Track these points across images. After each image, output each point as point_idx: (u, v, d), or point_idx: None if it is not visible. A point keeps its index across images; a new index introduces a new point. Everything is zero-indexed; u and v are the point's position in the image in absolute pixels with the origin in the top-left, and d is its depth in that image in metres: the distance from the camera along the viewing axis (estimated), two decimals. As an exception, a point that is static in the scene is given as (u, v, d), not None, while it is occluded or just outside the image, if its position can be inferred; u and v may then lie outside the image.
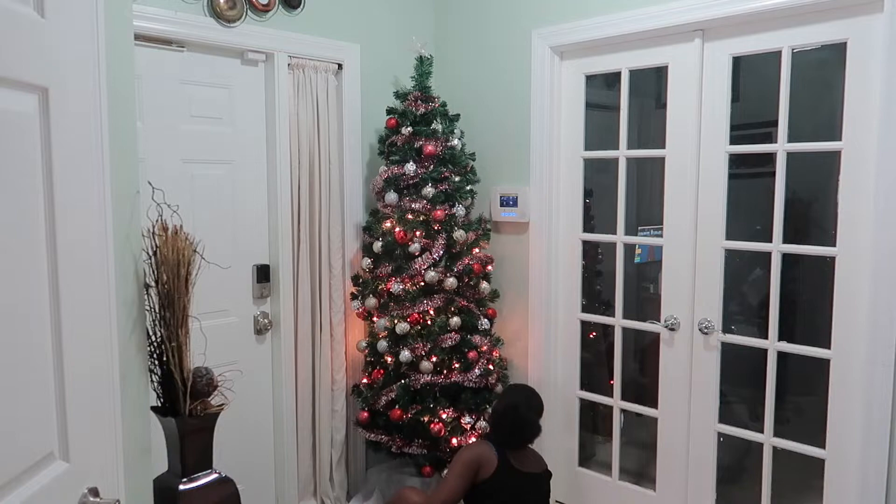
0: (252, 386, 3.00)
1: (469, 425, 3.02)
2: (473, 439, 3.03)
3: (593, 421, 3.48)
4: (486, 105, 3.38)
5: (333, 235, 3.16)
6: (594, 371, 3.40)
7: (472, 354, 3.05)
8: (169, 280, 2.08)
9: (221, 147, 2.91)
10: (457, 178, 3.15)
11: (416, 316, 3.05)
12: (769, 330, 2.62)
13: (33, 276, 1.13)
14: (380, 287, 3.10)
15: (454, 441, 3.00)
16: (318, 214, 3.11)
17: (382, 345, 3.08)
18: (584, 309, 3.23)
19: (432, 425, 2.96)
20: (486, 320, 3.17)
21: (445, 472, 2.68)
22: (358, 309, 3.19)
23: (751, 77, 2.84)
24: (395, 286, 3.02)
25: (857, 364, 2.38)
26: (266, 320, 3.07)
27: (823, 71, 2.75)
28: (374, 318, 3.13)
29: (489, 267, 3.23)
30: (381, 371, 3.13)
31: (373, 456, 3.37)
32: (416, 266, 3.02)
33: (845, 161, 2.40)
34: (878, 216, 2.27)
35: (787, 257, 2.59)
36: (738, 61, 2.67)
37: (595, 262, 3.43)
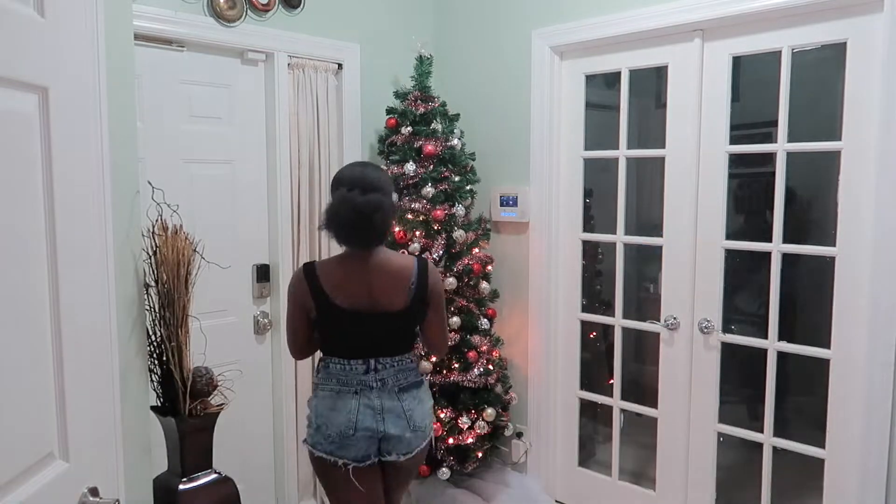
0: (252, 386, 3.00)
1: (466, 425, 3.02)
2: (471, 440, 3.04)
3: (593, 421, 3.49)
4: (486, 105, 3.38)
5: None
6: (594, 371, 3.40)
7: (471, 354, 3.05)
8: (169, 280, 2.08)
9: (221, 147, 2.91)
10: (457, 178, 3.15)
11: (416, 316, 3.05)
12: (769, 330, 2.62)
13: (33, 275, 1.13)
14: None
15: (451, 441, 3.01)
16: (318, 214, 3.11)
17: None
18: (584, 309, 3.23)
19: (432, 425, 2.96)
20: (485, 320, 3.17)
21: None
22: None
23: (751, 77, 2.84)
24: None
25: (857, 364, 2.38)
26: (266, 320, 3.07)
27: (823, 71, 2.75)
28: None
29: (489, 267, 3.23)
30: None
31: (373, 456, 3.36)
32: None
33: (845, 161, 2.40)
34: (878, 216, 2.27)
35: (786, 257, 2.59)
36: (737, 61, 2.67)
37: (595, 262, 3.43)
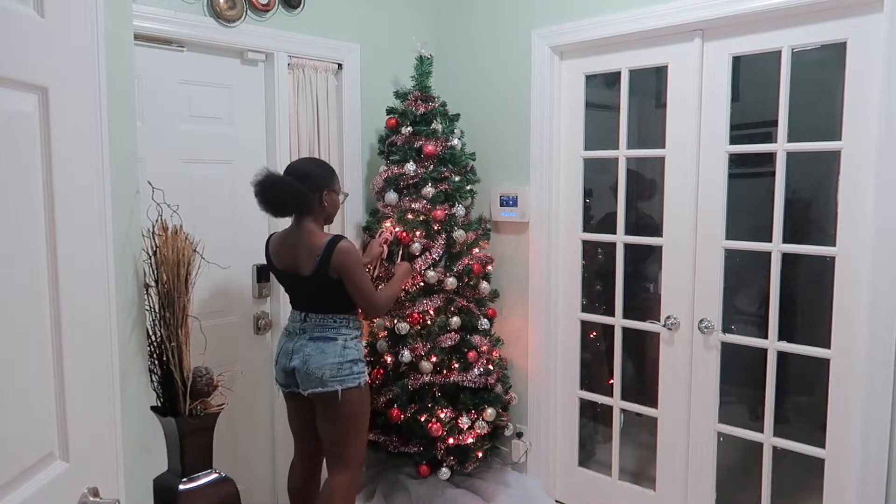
0: (252, 386, 3.00)
1: (466, 425, 3.02)
2: (471, 440, 3.04)
3: (593, 421, 3.49)
4: (486, 105, 3.38)
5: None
6: (594, 371, 3.40)
7: (471, 354, 3.05)
8: (169, 280, 2.08)
9: (221, 147, 2.91)
10: (457, 178, 3.15)
11: (416, 316, 3.05)
12: (769, 330, 2.62)
13: (33, 276, 1.13)
14: (380, 287, 3.10)
15: (451, 441, 3.01)
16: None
17: (382, 345, 3.08)
18: (584, 309, 3.23)
19: (430, 425, 2.96)
20: (485, 320, 3.17)
21: None
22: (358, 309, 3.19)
23: (751, 77, 2.84)
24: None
25: (857, 364, 2.38)
26: (266, 320, 3.07)
27: (823, 71, 2.75)
28: (374, 318, 3.13)
29: (489, 267, 3.23)
30: (381, 371, 3.13)
31: (372, 456, 3.36)
32: (417, 266, 3.02)
33: (845, 161, 2.40)
34: (878, 216, 2.27)
35: (786, 257, 2.59)
36: (737, 61, 2.67)
37: (595, 262, 3.43)
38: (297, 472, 2.73)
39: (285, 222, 2.65)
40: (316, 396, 2.47)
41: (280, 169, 3.01)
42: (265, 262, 2.68)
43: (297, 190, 2.43)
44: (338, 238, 2.47)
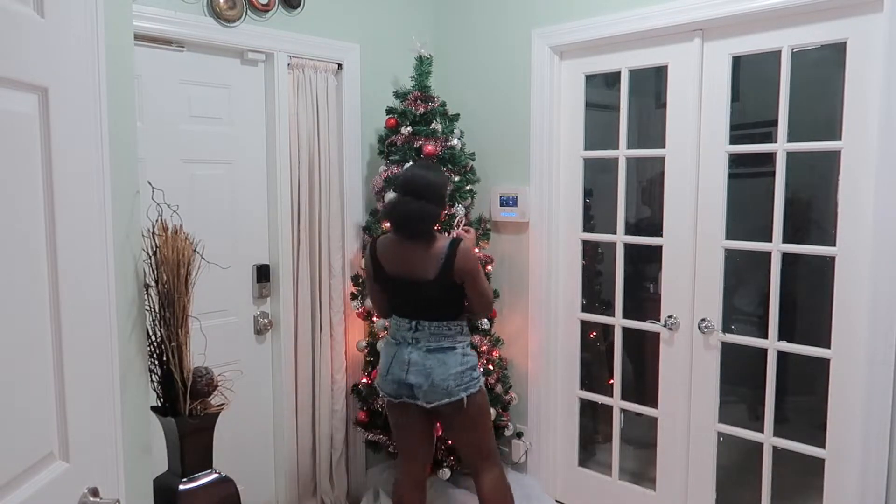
0: (252, 386, 3.00)
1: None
2: None
3: (593, 421, 3.49)
4: (486, 105, 3.38)
5: (333, 235, 3.16)
6: (594, 371, 3.40)
7: (472, 354, 3.05)
8: (169, 280, 2.08)
9: (221, 147, 2.91)
10: (456, 178, 3.15)
11: (416, 316, 3.05)
12: (769, 329, 2.62)
13: (33, 276, 1.13)
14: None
15: (450, 441, 3.00)
16: (318, 214, 3.11)
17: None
18: (584, 309, 3.23)
19: (431, 425, 2.96)
20: (485, 320, 3.17)
21: None
22: (358, 309, 3.19)
23: (751, 77, 2.84)
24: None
25: (857, 364, 2.38)
26: (266, 320, 3.07)
27: (823, 71, 2.75)
28: (374, 318, 3.13)
29: (489, 267, 3.23)
30: (381, 371, 3.13)
31: (372, 456, 3.37)
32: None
33: (845, 161, 2.40)
34: (878, 216, 2.27)
35: (786, 257, 2.59)
36: (737, 61, 2.67)
37: (595, 262, 3.43)
38: (404, 487, 2.68)
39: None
40: (442, 407, 2.46)
41: (283, 170, 3.02)
42: (365, 258, 2.62)
43: (434, 216, 2.46)
44: (457, 240, 2.48)
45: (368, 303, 3.11)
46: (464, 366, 2.49)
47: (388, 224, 2.54)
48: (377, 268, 2.54)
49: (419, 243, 2.46)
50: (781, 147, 2.54)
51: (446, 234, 2.66)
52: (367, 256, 2.60)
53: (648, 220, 3.19)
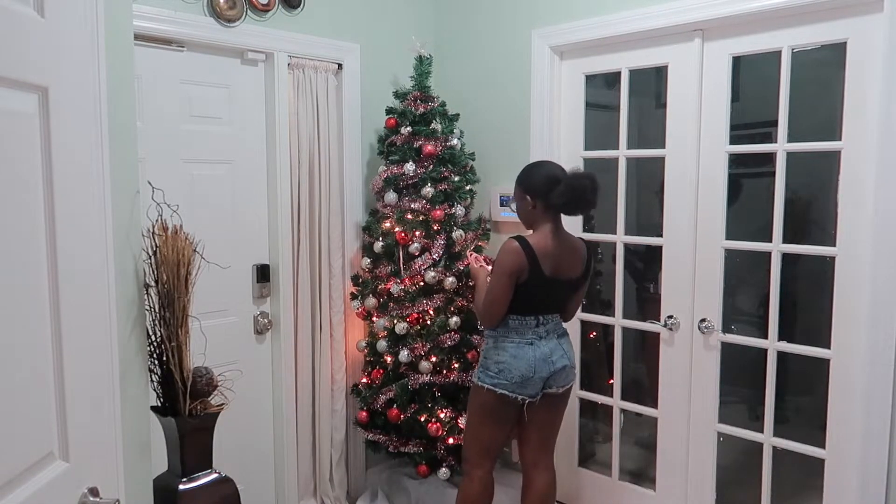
0: (252, 386, 3.00)
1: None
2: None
3: (593, 421, 3.48)
4: (485, 105, 3.38)
5: (333, 235, 3.16)
6: (594, 371, 3.40)
7: (471, 354, 3.05)
8: (169, 280, 2.08)
9: (221, 147, 2.91)
10: (456, 178, 3.15)
11: (416, 316, 3.05)
12: (769, 330, 2.62)
13: (33, 276, 1.13)
14: (379, 287, 3.10)
15: (451, 440, 3.00)
16: (318, 214, 3.11)
17: (382, 345, 3.08)
18: (584, 309, 3.22)
19: (430, 425, 2.96)
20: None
21: (489, 279, 2.55)
22: (358, 309, 3.19)
23: (751, 77, 2.84)
24: (395, 286, 3.02)
25: (857, 364, 2.38)
26: (266, 320, 3.07)
27: (823, 71, 2.75)
28: (374, 318, 3.13)
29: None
30: (381, 371, 3.13)
31: (372, 456, 3.37)
32: (416, 266, 3.02)
33: (845, 161, 2.40)
34: (878, 216, 2.27)
35: (786, 257, 2.59)
36: (737, 61, 2.67)
37: (595, 262, 3.43)
38: (488, 485, 2.65)
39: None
40: (566, 391, 2.60)
41: (283, 170, 3.02)
42: (510, 258, 2.42)
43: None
44: (580, 238, 2.64)
45: (369, 302, 3.11)
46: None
47: (569, 201, 2.41)
48: (534, 268, 2.42)
49: (568, 241, 2.54)
50: (781, 147, 2.54)
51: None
52: (520, 258, 2.41)
53: (649, 220, 3.19)
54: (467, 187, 3.21)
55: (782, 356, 2.64)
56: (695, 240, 2.78)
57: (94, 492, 1.23)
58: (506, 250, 2.45)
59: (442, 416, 2.99)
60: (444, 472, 3.07)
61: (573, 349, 2.64)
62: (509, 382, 2.47)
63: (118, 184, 1.54)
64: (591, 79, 3.13)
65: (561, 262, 2.49)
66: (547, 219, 2.49)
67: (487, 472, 2.64)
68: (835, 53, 2.43)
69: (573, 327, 3.22)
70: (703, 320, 2.77)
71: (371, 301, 3.11)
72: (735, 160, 2.73)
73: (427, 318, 3.06)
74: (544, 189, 2.45)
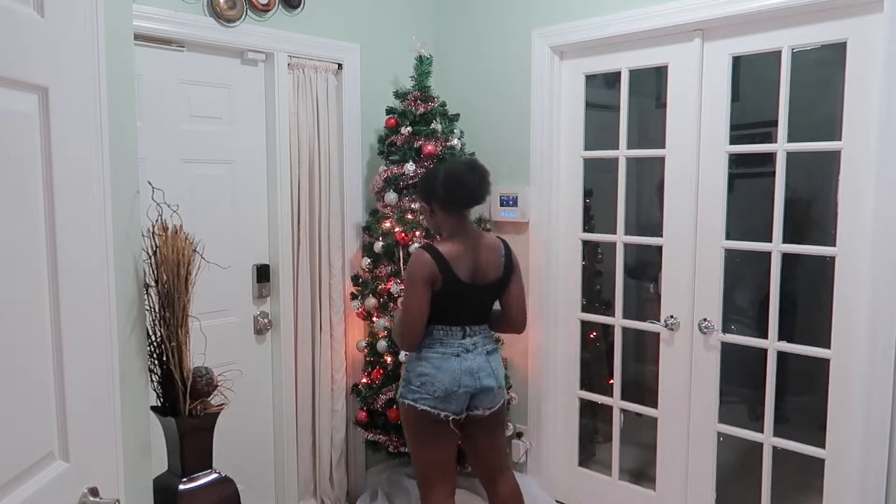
0: (252, 386, 3.00)
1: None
2: None
3: (593, 421, 3.49)
4: (486, 105, 3.38)
5: (333, 235, 3.16)
6: (594, 371, 3.40)
7: (472, 354, 3.04)
8: (169, 280, 2.08)
9: (221, 147, 2.90)
10: (457, 178, 3.14)
11: (416, 316, 3.05)
12: (769, 330, 2.62)
13: (33, 275, 1.13)
14: (379, 287, 3.10)
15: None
16: (318, 214, 3.11)
17: (382, 345, 3.08)
18: (584, 309, 3.23)
19: (432, 425, 2.96)
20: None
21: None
22: (358, 309, 3.19)
23: (751, 77, 2.84)
24: (395, 286, 3.02)
25: (857, 364, 2.38)
26: (266, 320, 3.07)
27: (823, 71, 2.75)
28: (374, 318, 3.13)
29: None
30: (381, 371, 3.13)
31: (372, 456, 3.37)
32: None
33: (845, 161, 2.40)
34: (878, 216, 2.27)
35: (786, 257, 2.59)
36: (737, 61, 2.67)
37: (595, 262, 3.43)
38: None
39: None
40: (493, 413, 2.45)
41: (283, 170, 3.02)
42: (420, 269, 2.31)
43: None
44: (499, 237, 2.52)
45: (369, 302, 3.11)
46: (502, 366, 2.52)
47: (453, 196, 2.37)
48: (448, 275, 2.31)
49: (480, 240, 2.43)
50: (781, 147, 2.54)
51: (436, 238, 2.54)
52: (431, 267, 2.31)
53: (649, 220, 3.20)
54: (467, 187, 3.21)
55: (782, 356, 2.64)
56: (695, 240, 2.78)
57: (94, 492, 1.23)
58: (413, 260, 2.35)
59: (442, 416, 2.98)
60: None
61: (503, 369, 2.50)
62: (431, 397, 2.33)
63: (118, 184, 1.54)
64: (591, 79, 3.13)
65: (478, 265, 2.38)
66: (451, 221, 2.41)
67: (443, 495, 2.44)
68: (835, 53, 2.43)
69: (573, 327, 3.22)
70: (703, 320, 2.77)
71: (371, 301, 3.11)
72: (735, 160, 2.73)
73: (427, 318, 3.06)
74: (430, 190, 2.41)
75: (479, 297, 2.42)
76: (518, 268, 2.49)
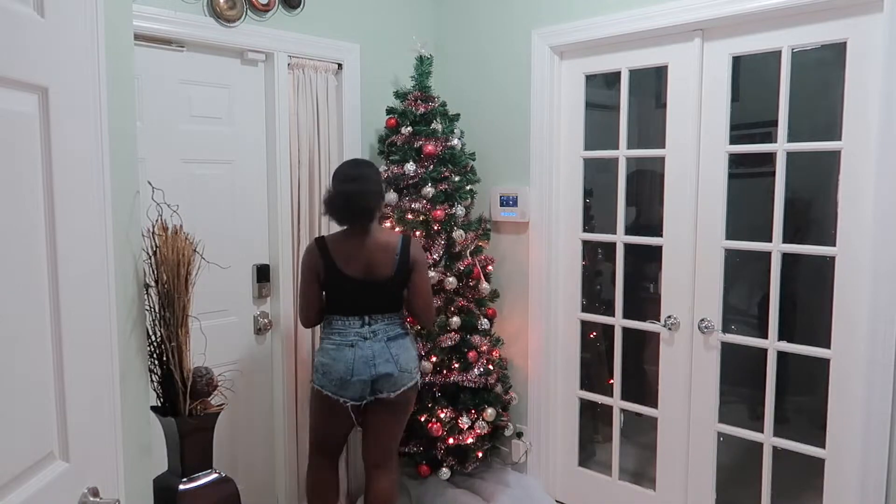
0: (252, 386, 3.00)
1: (466, 425, 3.02)
2: (471, 440, 3.04)
3: (593, 421, 3.48)
4: (486, 105, 3.38)
5: (333, 235, 3.16)
6: (594, 371, 3.40)
7: (471, 354, 3.05)
8: (169, 280, 2.08)
9: (221, 147, 2.91)
10: (457, 178, 3.15)
11: (416, 316, 3.05)
12: (769, 330, 2.62)
13: (33, 276, 1.13)
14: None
15: (451, 441, 3.01)
16: (319, 214, 3.11)
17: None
18: (584, 309, 3.23)
19: (430, 425, 2.96)
20: (485, 320, 3.17)
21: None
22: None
23: (751, 77, 2.84)
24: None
25: (857, 364, 2.38)
26: (266, 320, 3.06)
27: (823, 71, 2.75)
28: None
29: (489, 267, 3.23)
30: (381, 371, 3.13)
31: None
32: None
33: (845, 161, 2.40)
34: (878, 216, 2.27)
35: (786, 257, 2.59)
36: (737, 61, 2.67)
37: (595, 262, 3.43)
38: (326, 480, 2.73)
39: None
40: (400, 395, 2.52)
41: (283, 170, 3.02)
42: (307, 259, 2.56)
43: (380, 196, 2.51)
44: (405, 234, 2.57)
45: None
46: (415, 350, 2.62)
47: (331, 215, 2.53)
48: (331, 267, 2.50)
49: (374, 238, 2.49)
50: (781, 147, 2.54)
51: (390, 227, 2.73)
52: (315, 258, 2.53)
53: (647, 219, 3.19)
54: (468, 187, 3.21)
55: (782, 356, 2.64)
56: (695, 240, 2.78)
57: (94, 492, 1.23)
58: (305, 249, 2.60)
59: (442, 416, 2.99)
60: (444, 472, 3.07)
61: (410, 353, 2.56)
62: (330, 384, 2.50)
63: (118, 184, 1.54)
64: (591, 79, 3.13)
65: (369, 262, 2.48)
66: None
67: (321, 467, 2.68)
68: (835, 53, 2.43)
69: (573, 327, 3.22)
70: (702, 320, 2.77)
71: (371, 301, 3.11)
72: (735, 160, 2.73)
73: (427, 318, 3.06)
74: (325, 197, 2.57)
75: (371, 292, 2.51)
76: (419, 265, 2.55)
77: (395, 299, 2.57)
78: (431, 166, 3.08)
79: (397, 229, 3.03)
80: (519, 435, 3.31)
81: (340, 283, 2.51)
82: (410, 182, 3.08)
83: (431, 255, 3.03)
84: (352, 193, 2.46)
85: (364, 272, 2.50)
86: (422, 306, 2.58)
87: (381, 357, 2.47)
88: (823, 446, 2.51)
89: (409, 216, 3.06)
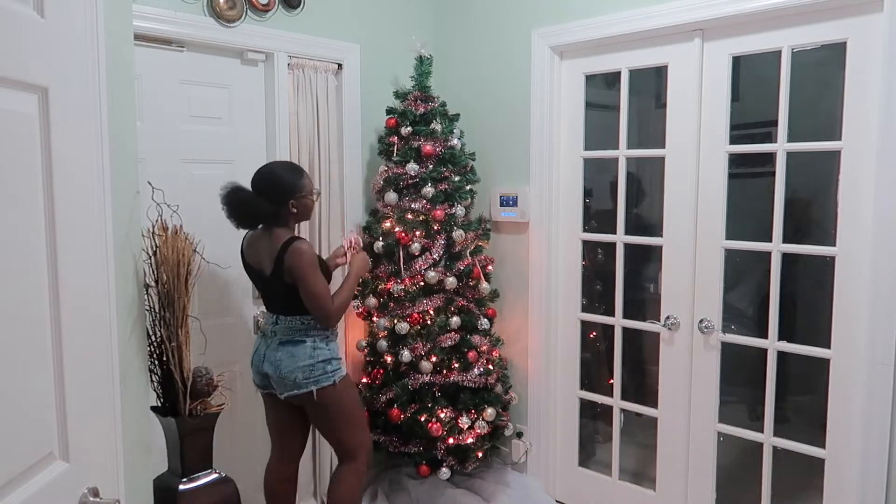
0: (252, 386, 2.99)
1: (466, 425, 3.02)
2: (471, 440, 3.04)
3: (593, 421, 3.49)
4: (486, 105, 3.38)
5: (333, 235, 3.15)
6: (594, 371, 3.40)
7: (471, 354, 3.05)
8: (169, 280, 2.08)
9: (221, 147, 2.90)
10: (456, 178, 3.15)
11: (416, 316, 3.05)
12: (769, 330, 2.62)
13: (33, 275, 1.13)
14: (380, 287, 3.10)
15: (451, 441, 3.01)
16: (318, 214, 3.10)
17: (382, 345, 3.08)
18: (584, 309, 3.23)
19: (430, 425, 2.96)
20: (485, 320, 3.17)
21: None
22: (358, 309, 3.19)
23: (751, 77, 2.84)
24: (395, 286, 3.02)
25: (857, 364, 2.38)
26: (266, 320, 3.06)
27: (823, 71, 2.75)
28: (374, 318, 3.13)
29: (489, 267, 3.23)
30: (381, 371, 3.13)
31: (372, 456, 3.36)
32: (417, 266, 3.02)
33: (845, 161, 2.40)
34: (878, 216, 2.27)
35: (786, 257, 2.59)
36: (737, 61, 2.67)
37: (595, 262, 3.43)
38: (273, 472, 2.72)
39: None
40: (293, 398, 2.50)
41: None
42: (242, 257, 2.64)
43: (262, 207, 2.43)
44: (293, 239, 2.45)
45: (369, 302, 3.12)
46: (314, 359, 2.49)
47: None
48: (242, 258, 2.60)
49: (268, 238, 2.49)
50: (781, 147, 2.54)
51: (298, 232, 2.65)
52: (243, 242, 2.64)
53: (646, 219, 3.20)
54: (467, 187, 3.21)
55: (782, 356, 2.64)
56: (695, 240, 2.78)
57: (94, 492, 1.23)
58: None
59: (442, 416, 2.99)
60: (444, 472, 3.07)
61: (300, 363, 2.46)
62: (251, 366, 2.61)
63: (118, 184, 1.54)
64: (591, 79, 3.13)
65: (258, 256, 2.53)
66: None
67: (273, 458, 2.72)
68: (835, 53, 2.43)
69: (573, 327, 3.22)
70: (702, 320, 2.77)
71: (371, 301, 3.11)
72: (735, 160, 2.73)
73: (427, 317, 3.06)
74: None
75: (263, 286, 2.57)
76: (295, 271, 2.40)
77: (290, 302, 2.49)
78: (431, 166, 3.08)
79: (398, 229, 3.03)
80: (519, 435, 3.31)
81: (248, 272, 2.61)
82: (410, 182, 3.08)
83: (431, 254, 3.03)
84: (229, 203, 2.46)
85: (257, 265, 2.54)
86: (313, 307, 2.47)
87: (268, 358, 2.50)
88: (823, 446, 2.51)
89: (409, 216, 3.06)
